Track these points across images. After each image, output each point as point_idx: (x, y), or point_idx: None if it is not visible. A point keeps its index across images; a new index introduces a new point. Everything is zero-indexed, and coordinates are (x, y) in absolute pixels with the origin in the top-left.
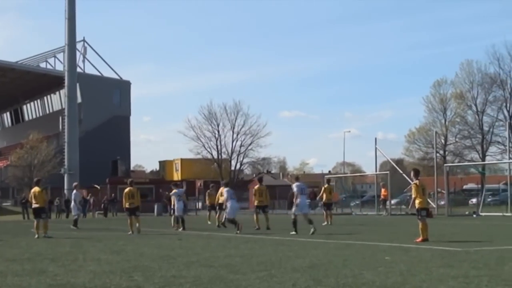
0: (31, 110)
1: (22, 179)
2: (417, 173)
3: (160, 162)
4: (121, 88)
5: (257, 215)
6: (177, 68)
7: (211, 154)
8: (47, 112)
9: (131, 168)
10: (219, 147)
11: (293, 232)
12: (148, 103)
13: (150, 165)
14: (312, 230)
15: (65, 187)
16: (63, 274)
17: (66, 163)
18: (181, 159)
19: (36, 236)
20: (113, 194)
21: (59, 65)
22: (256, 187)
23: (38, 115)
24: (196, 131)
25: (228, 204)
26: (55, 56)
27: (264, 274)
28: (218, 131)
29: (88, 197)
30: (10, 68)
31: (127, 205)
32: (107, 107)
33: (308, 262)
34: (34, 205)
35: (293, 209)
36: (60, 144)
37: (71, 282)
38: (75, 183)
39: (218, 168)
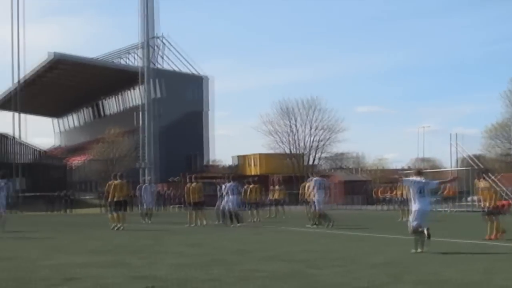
0: (110, 105)
1: (103, 173)
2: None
3: (236, 157)
4: (199, 83)
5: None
6: (255, 63)
7: (288, 149)
8: (126, 107)
9: (208, 163)
10: (295, 142)
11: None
12: (225, 98)
13: (227, 159)
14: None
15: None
16: (143, 267)
17: (144, 157)
18: (257, 154)
19: (113, 227)
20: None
21: (137, 61)
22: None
23: (117, 111)
24: (272, 126)
25: (316, 197)
26: (133, 53)
27: (341, 269)
28: (296, 126)
29: (166, 191)
30: (91, 64)
31: (192, 200)
32: (184, 102)
33: (386, 259)
34: (118, 198)
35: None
36: (138, 139)
37: (152, 274)
38: (148, 177)
39: (294, 163)
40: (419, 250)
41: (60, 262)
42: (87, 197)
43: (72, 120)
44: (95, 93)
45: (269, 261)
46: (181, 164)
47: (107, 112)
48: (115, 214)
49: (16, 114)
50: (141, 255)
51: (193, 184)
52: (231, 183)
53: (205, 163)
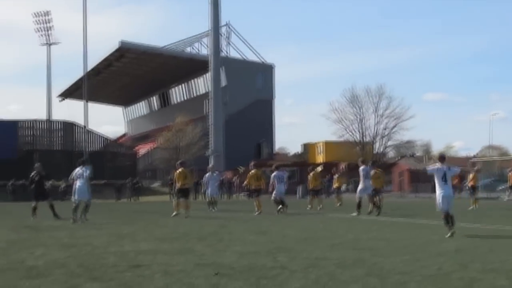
0: (177, 93)
1: (170, 161)
2: None
3: (303, 144)
4: (265, 71)
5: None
6: (320, 50)
7: (354, 137)
8: (193, 95)
9: (275, 151)
10: (362, 129)
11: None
12: (291, 86)
13: (293, 147)
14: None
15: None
16: (209, 254)
17: (211, 145)
18: (324, 142)
19: (174, 214)
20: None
21: (204, 49)
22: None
23: (184, 99)
24: (339, 114)
25: (360, 185)
26: (200, 41)
27: (408, 257)
28: (362, 114)
29: (234, 180)
30: (158, 53)
31: (253, 187)
32: (250, 90)
33: (453, 247)
34: (182, 186)
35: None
36: (205, 127)
37: (218, 262)
38: (211, 165)
39: (361, 151)
40: (448, 234)
41: (127, 249)
42: (154, 185)
43: (140, 109)
44: (162, 82)
45: (335, 249)
46: (249, 152)
47: (175, 101)
48: (178, 202)
49: (85, 103)
50: (207, 243)
51: (252, 171)
52: (277, 172)
53: (272, 151)
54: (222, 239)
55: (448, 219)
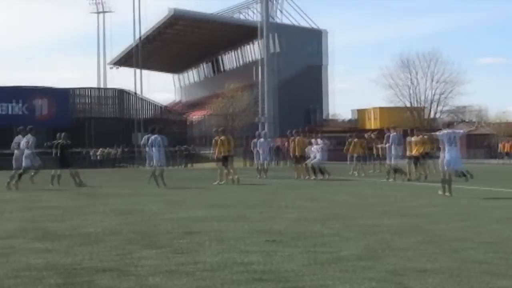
0: (229, 60)
1: (222, 127)
2: None
3: (355, 110)
4: (317, 37)
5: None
6: (374, 16)
7: (408, 103)
8: (245, 62)
9: (328, 117)
10: (415, 95)
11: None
12: (343, 51)
13: (346, 113)
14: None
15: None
16: (262, 221)
17: (262, 112)
18: (377, 108)
19: (217, 182)
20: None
21: (256, 15)
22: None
23: (236, 66)
24: (392, 79)
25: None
26: (252, 7)
27: (462, 224)
28: (416, 79)
29: (285, 145)
30: (210, 20)
31: (296, 154)
32: (303, 56)
33: (509, 213)
34: (224, 153)
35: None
36: (256, 94)
37: (271, 228)
38: (263, 131)
39: (414, 116)
40: (447, 194)
41: (180, 216)
42: (206, 152)
43: (192, 76)
44: (214, 49)
45: (388, 216)
46: (300, 118)
47: (226, 67)
48: (221, 169)
49: (137, 70)
50: (260, 210)
51: (296, 139)
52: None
53: (324, 117)
54: (274, 206)
55: (448, 179)
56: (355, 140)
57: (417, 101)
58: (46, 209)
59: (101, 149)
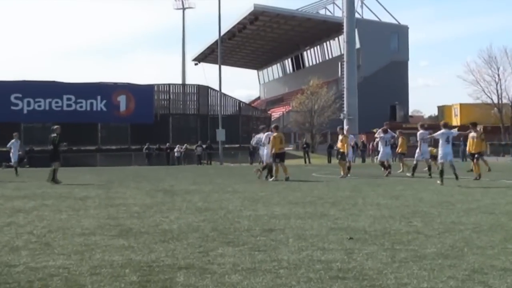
0: (311, 56)
1: (303, 124)
2: None
3: (438, 107)
4: (399, 33)
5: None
6: (456, 10)
7: (491, 99)
8: (327, 58)
9: (409, 113)
10: (499, 91)
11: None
12: (425, 47)
13: (428, 110)
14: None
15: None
16: (343, 218)
17: (345, 108)
18: (460, 104)
19: (273, 178)
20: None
21: (337, 11)
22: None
23: (317, 61)
24: (475, 75)
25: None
26: (333, 3)
27: None
28: (498, 75)
29: (370, 143)
30: (291, 16)
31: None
32: (385, 52)
33: None
34: (279, 150)
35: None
36: (339, 90)
37: (351, 226)
38: (343, 127)
39: (499, 113)
40: (439, 182)
41: (260, 213)
42: (288, 148)
43: (273, 72)
44: (296, 44)
45: (471, 213)
46: (383, 115)
47: (308, 63)
48: (277, 167)
49: (219, 66)
50: (340, 207)
51: (400, 138)
52: (385, 134)
53: (407, 113)
54: (356, 204)
55: (443, 170)
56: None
57: (503, 97)
58: (123, 206)
59: (186, 145)
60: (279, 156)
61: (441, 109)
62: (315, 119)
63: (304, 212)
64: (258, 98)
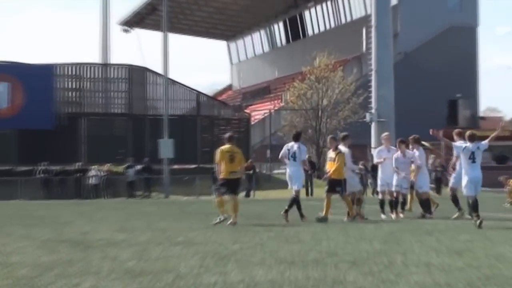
0: (316, 18)
1: (304, 130)
2: None
3: None
4: None
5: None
6: None
7: None
8: (342, 21)
9: (480, 113)
10: None
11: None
12: (506, 5)
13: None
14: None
15: (372, 144)
16: None
17: (373, 104)
18: None
19: (217, 220)
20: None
21: None
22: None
23: (327, 27)
24: None
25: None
26: None
27: None
28: None
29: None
30: None
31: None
32: (437, 12)
33: None
34: (227, 175)
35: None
36: (363, 74)
37: None
38: (385, 134)
39: None
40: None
41: (232, 279)
42: (279, 171)
43: (253, 44)
44: (291, 2)
45: None
46: (438, 114)
47: (312, 30)
48: (220, 199)
49: (162, 35)
50: (365, 269)
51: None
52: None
53: (478, 113)
54: (391, 263)
55: (475, 206)
56: None
57: None
58: (2, 267)
59: (108, 165)
60: (229, 186)
61: None
62: (323, 122)
63: (305, 277)
64: (230, 87)
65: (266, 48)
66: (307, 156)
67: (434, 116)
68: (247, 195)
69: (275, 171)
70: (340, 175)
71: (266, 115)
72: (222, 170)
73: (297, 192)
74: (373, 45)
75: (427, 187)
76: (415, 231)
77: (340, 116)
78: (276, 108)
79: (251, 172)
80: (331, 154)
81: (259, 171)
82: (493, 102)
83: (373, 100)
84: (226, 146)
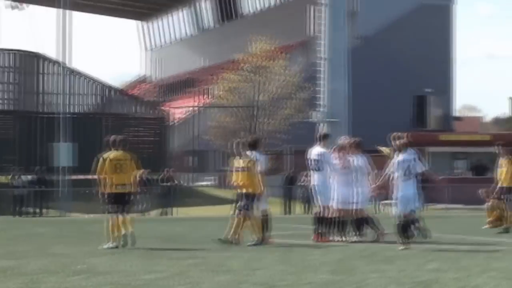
0: None
1: (235, 132)
2: None
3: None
4: None
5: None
6: None
7: None
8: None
9: (455, 112)
10: None
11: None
12: None
13: (493, 105)
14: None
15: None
16: None
17: (322, 101)
18: None
19: (108, 245)
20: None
21: None
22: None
23: (264, 6)
24: None
25: None
26: None
27: None
28: None
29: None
30: None
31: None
32: None
33: None
34: (113, 189)
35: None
36: (310, 63)
37: None
38: (343, 138)
39: None
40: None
41: None
42: (204, 182)
43: (173, 25)
44: None
45: None
46: (403, 113)
47: (247, 9)
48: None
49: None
50: None
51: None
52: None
53: (452, 112)
54: None
55: (407, 227)
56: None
57: None
58: None
59: None
60: (114, 200)
61: None
62: (260, 122)
63: None
64: (144, 78)
65: (191, 31)
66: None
67: (399, 115)
68: (164, 212)
69: (199, 183)
70: (249, 185)
71: (189, 113)
72: (107, 183)
73: (264, 211)
74: (323, 28)
75: (365, 203)
76: (372, 258)
77: (281, 115)
78: (202, 105)
79: (169, 184)
80: (239, 161)
81: (178, 183)
82: (471, 99)
83: (322, 95)
84: (111, 153)
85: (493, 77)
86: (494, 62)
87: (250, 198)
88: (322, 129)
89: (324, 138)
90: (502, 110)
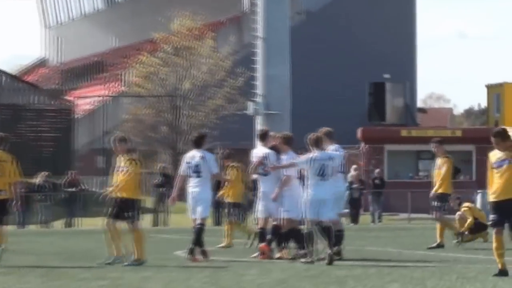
0: None
1: (154, 127)
2: None
3: (489, 87)
4: None
5: None
6: None
7: None
8: None
9: (420, 102)
10: None
11: None
12: None
13: (465, 95)
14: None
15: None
16: None
17: (258, 89)
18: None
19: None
20: (375, 168)
21: None
22: None
23: None
24: None
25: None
26: None
27: None
28: None
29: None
30: None
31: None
32: None
33: None
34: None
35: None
36: (244, 44)
37: None
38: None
39: None
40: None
41: None
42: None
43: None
44: None
45: None
46: (357, 105)
47: None
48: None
49: None
50: None
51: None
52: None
53: (416, 102)
54: None
55: (321, 232)
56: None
57: None
58: None
59: None
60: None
61: (495, 91)
62: (184, 114)
63: None
64: (43, 62)
65: (99, 5)
66: (159, 166)
67: (351, 106)
68: (68, 223)
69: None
70: (134, 193)
71: (98, 104)
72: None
73: (203, 220)
74: (259, 1)
75: (296, 212)
76: (320, 279)
77: (210, 107)
78: (113, 94)
79: (74, 189)
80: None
81: (86, 188)
82: (439, 87)
83: (258, 82)
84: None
85: (465, 60)
86: (467, 42)
87: (128, 205)
88: (260, 124)
89: (265, 136)
90: (476, 100)
